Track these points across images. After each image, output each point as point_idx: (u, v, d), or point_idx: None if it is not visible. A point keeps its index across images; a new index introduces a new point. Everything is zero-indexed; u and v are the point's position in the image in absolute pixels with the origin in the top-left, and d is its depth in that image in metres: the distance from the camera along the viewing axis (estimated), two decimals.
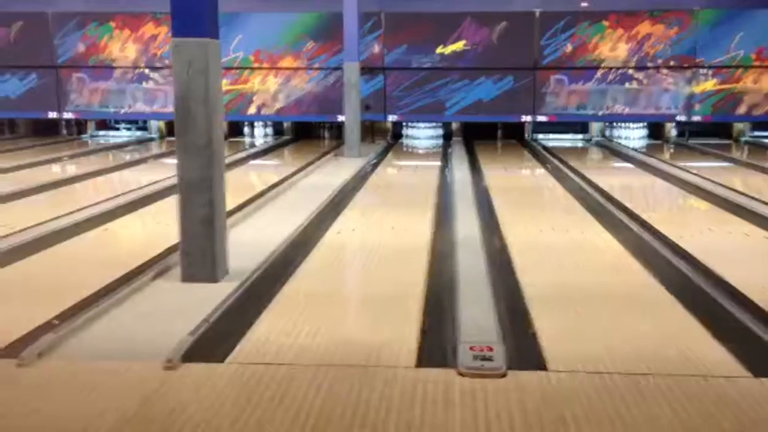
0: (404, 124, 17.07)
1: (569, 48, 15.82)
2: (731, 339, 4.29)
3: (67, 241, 6.82)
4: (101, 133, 17.59)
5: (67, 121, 17.31)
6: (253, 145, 16.00)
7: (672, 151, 15.43)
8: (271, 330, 4.47)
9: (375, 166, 12.48)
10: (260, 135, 17.23)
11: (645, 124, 16.79)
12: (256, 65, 16.22)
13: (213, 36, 5.39)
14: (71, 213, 7.82)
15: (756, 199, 8.71)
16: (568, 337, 4.39)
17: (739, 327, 4.59)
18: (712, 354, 4.11)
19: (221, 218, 5.59)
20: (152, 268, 5.80)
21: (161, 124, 17.19)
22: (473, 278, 5.55)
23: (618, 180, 11.26)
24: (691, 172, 11.12)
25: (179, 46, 5.32)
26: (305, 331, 4.44)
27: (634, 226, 7.44)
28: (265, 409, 3.41)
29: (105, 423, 3.27)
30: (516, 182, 11.32)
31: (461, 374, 3.80)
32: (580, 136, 17.08)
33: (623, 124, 16.87)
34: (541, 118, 16.12)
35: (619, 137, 16.86)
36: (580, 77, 15.90)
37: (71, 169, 12.60)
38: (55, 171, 12.21)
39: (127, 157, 13.70)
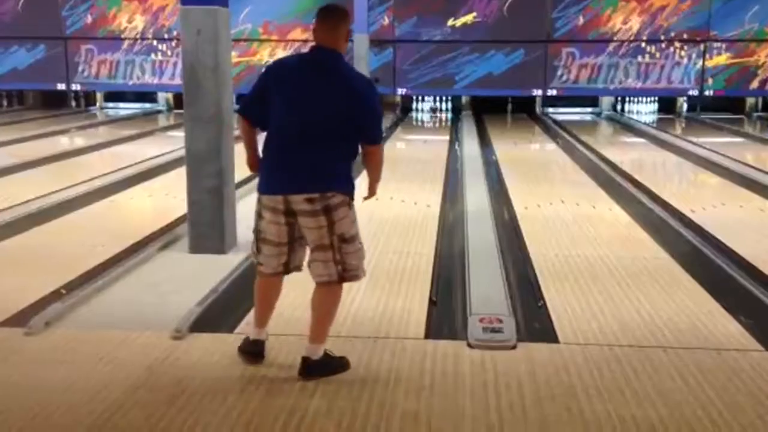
0: (413, 97, 16.97)
1: (581, 20, 15.64)
2: (744, 312, 4.25)
3: (75, 212, 6.80)
4: (110, 104, 17.54)
5: (76, 92, 17.27)
6: None
7: (684, 125, 15.30)
8: (279, 301, 4.42)
9: (384, 139, 12.38)
10: None
11: (656, 98, 16.64)
12: (264, 37, 16.10)
13: (222, 4, 5.32)
14: (79, 184, 7.80)
15: None
16: (579, 309, 4.35)
17: (751, 300, 4.55)
18: (725, 327, 4.06)
19: (230, 189, 5.56)
20: (160, 239, 5.78)
21: (169, 96, 17.11)
22: (483, 251, 5.51)
23: (629, 154, 11.16)
24: (704, 147, 11.02)
25: (187, 14, 5.25)
26: None
27: (646, 200, 7.38)
28: (273, 379, 3.39)
29: (113, 392, 3.26)
30: (526, 156, 11.24)
31: (471, 346, 3.77)
32: (589, 109, 16.95)
33: (635, 98, 16.72)
34: (552, 92, 15.97)
35: (631, 111, 16.72)
36: (591, 50, 15.72)
37: (79, 141, 12.58)
38: (63, 143, 12.19)
39: (136, 130, 13.64)
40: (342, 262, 3.35)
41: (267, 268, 3.49)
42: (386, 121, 14.72)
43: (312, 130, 3.29)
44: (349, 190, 3.35)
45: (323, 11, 3.43)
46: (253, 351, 3.55)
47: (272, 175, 3.38)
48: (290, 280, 4.83)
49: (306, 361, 3.41)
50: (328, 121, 3.29)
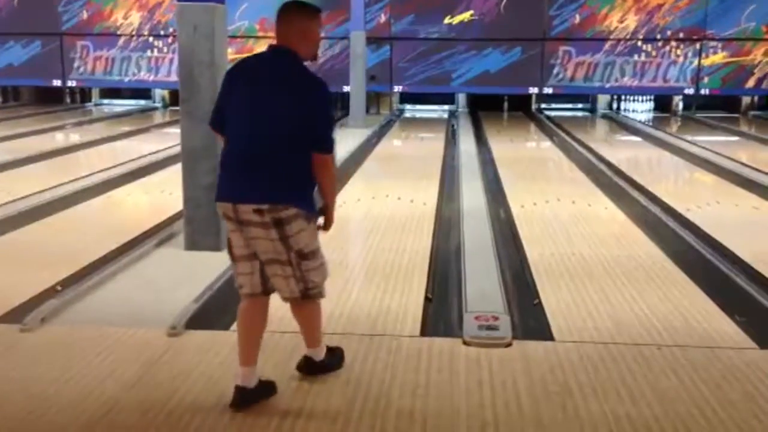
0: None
1: (578, 19, 15.63)
2: (738, 311, 4.26)
3: (70, 209, 6.79)
4: (105, 101, 17.50)
5: (71, 89, 17.21)
6: None
7: (679, 124, 15.31)
8: (275, 298, 4.43)
9: (380, 136, 12.41)
10: None
11: (652, 96, 16.64)
12: (261, 34, 16.06)
13: (218, 0, 5.31)
14: (75, 180, 7.79)
15: (764, 173, 8.63)
16: (574, 307, 4.36)
17: (746, 299, 4.56)
18: (719, 325, 4.07)
19: None
20: (156, 235, 5.78)
21: (165, 92, 17.08)
22: (479, 248, 5.52)
23: (625, 152, 11.17)
24: (699, 146, 11.03)
25: (184, 11, 5.24)
26: None
27: (641, 198, 7.39)
28: (268, 376, 3.38)
29: (108, 389, 3.26)
30: (522, 154, 11.24)
31: (466, 343, 3.77)
32: (580, 105, 16.98)
33: (630, 97, 16.73)
34: (548, 91, 15.96)
35: (627, 110, 16.73)
36: (588, 49, 15.72)
37: (75, 137, 12.55)
38: (59, 139, 12.17)
39: (131, 126, 13.61)
40: (303, 279, 3.15)
41: (246, 288, 3.18)
42: (382, 118, 14.78)
43: (262, 136, 3.02)
44: (303, 206, 3.06)
45: (283, 7, 3.14)
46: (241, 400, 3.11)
47: (224, 183, 3.13)
48: None
49: (308, 360, 3.40)
50: (278, 127, 3.02)
